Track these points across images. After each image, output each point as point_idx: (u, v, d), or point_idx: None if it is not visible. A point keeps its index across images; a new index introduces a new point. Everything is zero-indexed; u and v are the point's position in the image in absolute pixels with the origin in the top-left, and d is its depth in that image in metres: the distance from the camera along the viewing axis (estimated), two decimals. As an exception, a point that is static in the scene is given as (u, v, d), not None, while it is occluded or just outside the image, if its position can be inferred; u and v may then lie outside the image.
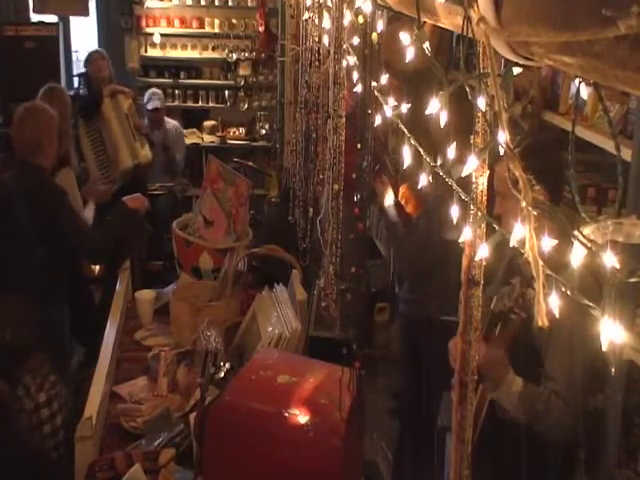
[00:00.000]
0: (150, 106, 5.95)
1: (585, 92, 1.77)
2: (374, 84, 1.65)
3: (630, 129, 2.32)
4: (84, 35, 7.52)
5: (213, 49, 7.34)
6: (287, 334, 2.55)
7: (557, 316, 0.77)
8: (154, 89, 6.27)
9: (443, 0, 1.00)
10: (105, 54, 5.53)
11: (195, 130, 7.40)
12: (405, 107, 1.47)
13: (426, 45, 1.05)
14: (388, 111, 1.47)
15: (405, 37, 1.18)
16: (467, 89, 0.93)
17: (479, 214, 1.04)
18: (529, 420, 2.17)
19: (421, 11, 1.06)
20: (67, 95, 4.44)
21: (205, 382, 2.14)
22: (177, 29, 7.29)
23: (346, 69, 2.10)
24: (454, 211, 1.06)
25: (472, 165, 0.99)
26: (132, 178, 5.04)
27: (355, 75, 1.88)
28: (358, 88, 1.78)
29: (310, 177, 2.89)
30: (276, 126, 6.75)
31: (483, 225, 1.06)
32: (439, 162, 1.14)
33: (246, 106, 7.39)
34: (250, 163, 5.91)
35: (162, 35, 7.25)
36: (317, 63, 2.70)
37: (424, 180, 1.17)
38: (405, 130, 1.28)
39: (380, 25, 1.65)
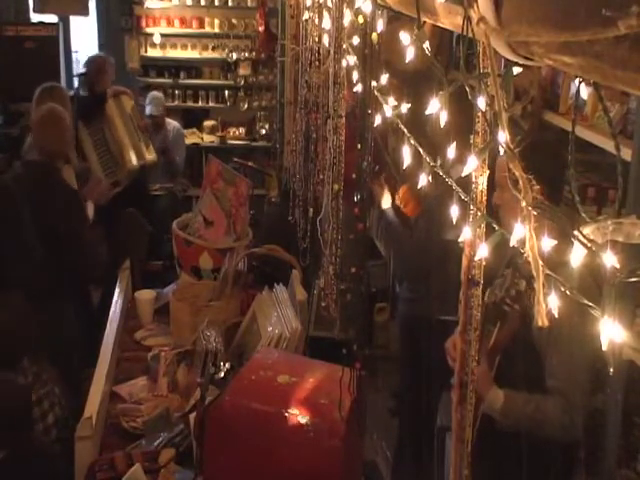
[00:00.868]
0: (147, 112, 5.94)
1: (585, 92, 1.77)
2: (374, 84, 1.65)
3: (630, 129, 2.32)
4: (84, 35, 7.51)
5: (213, 49, 7.34)
6: (287, 334, 2.55)
7: (557, 316, 0.77)
8: (155, 93, 6.27)
9: (443, 0, 1.00)
10: (111, 59, 5.50)
11: (195, 130, 7.41)
12: (405, 107, 1.47)
13: (426, 45, 1.05)
14: (388, 111, 1.47)
15: (405, 37, 1.18)
16: (467, 89, 0.93)
17: (479, 214, 1.04)
18: (521, 426, 2.18)
19: (421, 11, 1.06)
20: (67, 94, 4.44)
21: (205, 382, 2.14)
22: (177, 29, 7.30)
23: (346, 69, 2.10)
24: (454, 211, 1.06)
25: (472, 165, 0.99)
26: (133, 179, 5.05)
27: (355, 75, 1.88)
28: (358, 88, 1.78)
29: (310, 177, 2.89)
30: (276, 126, 6.74)
31: (483, 225, 1.06)
32: (439, 162, 1.14)
33: (246, 106, 7.39)
34: (250, 163, 5.90)
35: (162, 35, 7.25)
36: (317, 63, 2.70)
37: (424, 180, 1.17)
38: (405, 130, 1.28)
39: (380, 25, 1.64)
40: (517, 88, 2.92)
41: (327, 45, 2.32)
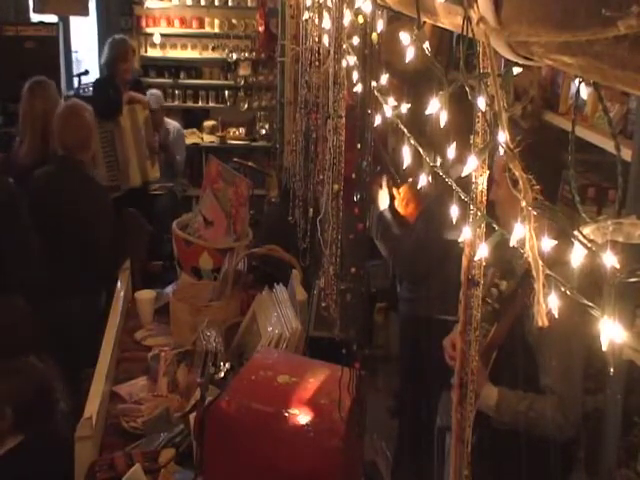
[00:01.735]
0: (151, 106, 5.94)
1: (585, 92, 1.77)
2: (374, 84, 1.65)
3: (630, 129, 2.32)
4: (84, 35, 7.51)
5: (213, 49, 7.35)
6: (287, 334, 2.55)
7: (556, 316, 0.77)
8: (152, 90, 6.27)
9: (443, 0, 1.00)
10: (132, 44, 5.43)
11: (195, 130, 7.41)
12: (405, 107, 1.47)
13: (426, 45, 1.05)
14: (388, 111, 1.47)
15: (405, 37, 1.18)
16: (467, 89, 0.93)
17: (479, 214, 1.04)
18: (516, 424, 2.19)
19: (421, 11, 1.06)
20: (55, 89, 4.43)
21: (205, 382, 2.14)
22: (177, 29, 7.30)
23: (346, 69, 2.10)
24: (454, 211, 1.06)
25: (472, 165, 0.98)
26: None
27: (355, 75, 1.88)
28: (358, 88, 1.78)
29: (310, 177, 2.89)
30: (276, 126, 6.74)
31: (483, 225, 1.06)
32: (439, 162, 1.14)
33: (246, 106, 7.40)
34: (250, 163, 5.90)
35: (162, 35, 7.25)
36: (317, 63, 2.70)
37: (424, 180, 1.17)
38: (405, 130, 1.28)
39: (380, 25, 1.64)
40: (517, 88, 2.92)
41: (327, 45, 2.32)
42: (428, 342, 2.62)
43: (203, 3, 7.24)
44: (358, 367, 1.73)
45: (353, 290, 1.91)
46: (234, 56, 7.29)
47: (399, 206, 3.45)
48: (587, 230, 0.79)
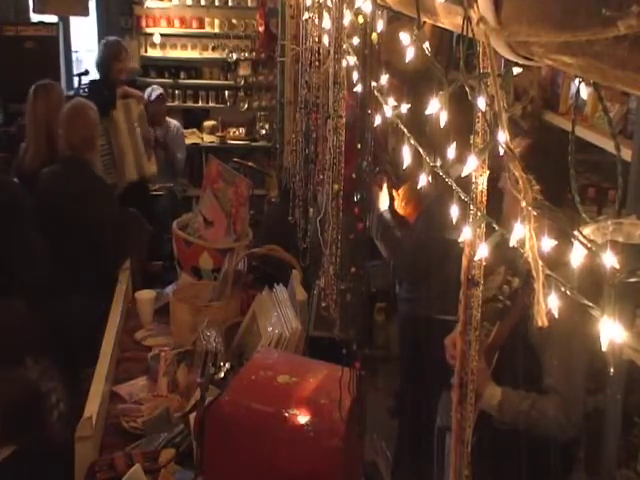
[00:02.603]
0: (154, 95, 5.95)
1: (585, 92, 1.77)
2: (374, 84, 1.65)
3: (630, 129, 2.32)
4: (84, 35, 7.51)
5: (213, 49, 7.34)
6: (287, 334, 2.55)
7: (556, 316, 0.77)
8: (154, 85, 6.28)
9: (443, 0, 1.00)
10: (126, 45, 5.45)
11: (195, 130, 7.41)
12: (405, 107, 1.47)
13: (426, 45, 1.05)
14: (388, 111, 1.47)
15: (405, 37, 1.18)
16: (467, 89, 0.93)
17: (479, 214, 1.04)
18: (518, 424, 2.18)
19: (421, 11, 1.06)
20: (62, 92, 4.45)
21: (205, 382, 2.14)
22: (177, 29, 7.30)
23: (346, 69, 2.10)
24: (454, 211, 1.06)
25: (472, 165, 0.98)
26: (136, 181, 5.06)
27: (355, 75, 1.87)
28: (358, 88, 1.78)
29: (310, 177, 2.89)
30: (276, 126, 6.74)
31: (483, 225, 1.06)
32: (439, 162, 1.14)
33: (246, 106, 7.39)
34: (250, 163, 5.90)
35: (162, 35, 7.25)
36: (317, 63, 2.70)
37: (424, 180, 1.17)
38: (405, 130, 1.28)
39: (380, 25, 1.64)
40: (517, 88, 2.92)
41: (327, 45, 2.32)
42: (428, 342, 2.62)
43: (203, 3, 7.24)
44: (358, 367, 1.73)
45: (353, 290, 1.91)
46: (234, 56, 7.29)
47: (399, 206, 3.45)
48: (587, 230, 0.79)
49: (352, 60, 1.94)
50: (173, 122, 6.21)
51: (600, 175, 2.68)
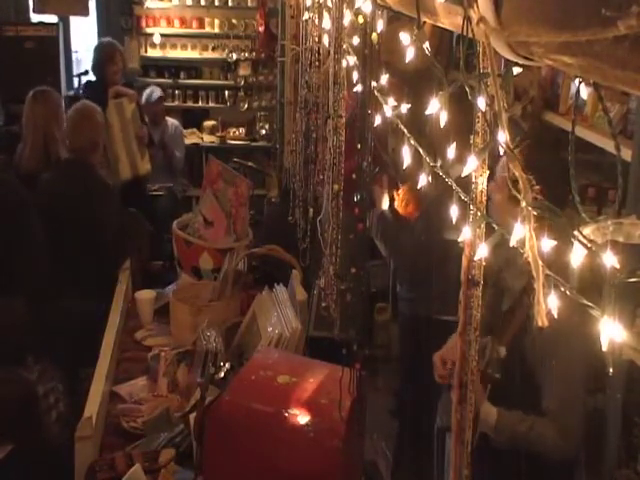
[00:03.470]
0: (155, 97, 5.96)
1: (585, 92, 1.77)
2: (374, 84, 1.65)
3: (630, 129, 2.33)
4: (84, 35, 7.51)
5: (213, 49, 7.34)
6: (287, 334, 2.55)
7: (555, 316, 0.77)
8: (153, 86, 6.28)
9: (443, 0, 1.00)
10: (120, 47, 5.46)
11: (195, 130, 7.40)
12: (405, 107, 1.47)
13: (426, 45, 1.05)
14: (388, 111, 1.47)
15: (405, 37, 1.18)
16: (467, 89, 0.93)
17: (479, 214, 1.04)
18: (515, 445, 2.17)
19: (421, 11, 1.06)
20: (59, 97, 4.48)
21: (205, 382, 2.14)
22: (177, 29, 7.29)
23: (346, 69, 2.10)
24: (454, 211, 1.06)
25: (472, 165, 0.98)
26: (131, 180, 5.05)
27: (355, 75, 1.87)
28: (358, 88, 1.78)
29: (310, 177, 2.89)
30: (276, 126, 6.74)
31: (483, 225, 1.06)
32: (439, 162, 1.14)
33: (246, 106, 7.39)
34: (250, 163, 5.90)
35: (162, 35, 7.25)
36: (317, 63, 2.70)
37: (424, 180, 1.17)
38: (405, 130, 1.28)
39: (380, 25, 1.64)
40: (517, 88, 2.92)
41: (327, 45, 2.32)
42: (428, 342, 2.62)
43: (203, 3, 7.23)
44: (358, 367, 1.73)
45: (353, 290, 1.91)
46: (234, 56, 7.29)
47: (399, 206, 3.45)
48: (587, 230, 0.78)
49: (352, 60, 1.94)
50: (171, 121, 6.21)
51: (600, 175, 2.68)
